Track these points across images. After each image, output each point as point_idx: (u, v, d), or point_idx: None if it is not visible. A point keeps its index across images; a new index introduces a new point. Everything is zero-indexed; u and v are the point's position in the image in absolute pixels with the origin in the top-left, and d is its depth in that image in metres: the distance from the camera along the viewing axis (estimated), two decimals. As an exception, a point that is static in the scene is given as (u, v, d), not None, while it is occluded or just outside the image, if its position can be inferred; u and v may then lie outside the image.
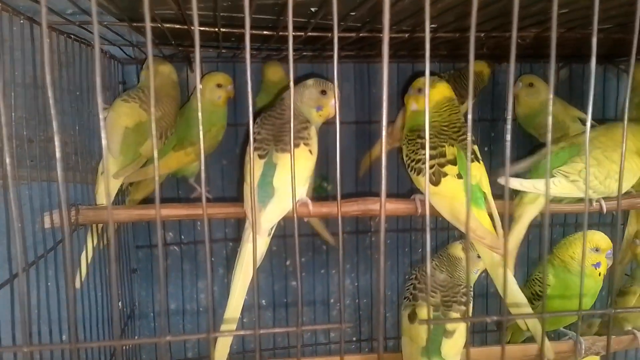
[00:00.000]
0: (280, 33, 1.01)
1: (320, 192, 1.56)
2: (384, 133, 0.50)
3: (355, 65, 1.51)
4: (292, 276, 1.61)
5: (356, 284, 1.64)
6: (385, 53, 0.46)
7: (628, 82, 0.59)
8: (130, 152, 1.13)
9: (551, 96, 0.54)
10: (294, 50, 1.08)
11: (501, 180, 0.89)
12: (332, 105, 1.02)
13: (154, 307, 1.54)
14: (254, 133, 0.99)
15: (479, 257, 1.04)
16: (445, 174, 0.96)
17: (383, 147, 0.50)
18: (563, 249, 1.20)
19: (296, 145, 0.95)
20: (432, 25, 0.95)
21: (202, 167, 0.53)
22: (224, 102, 1.31)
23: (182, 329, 1.56)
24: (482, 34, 0.96)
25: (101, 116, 0.53)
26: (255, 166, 0.93)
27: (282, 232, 1.59)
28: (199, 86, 0.52)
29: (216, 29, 1.00)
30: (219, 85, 1.28)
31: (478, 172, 0.97)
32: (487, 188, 0.99)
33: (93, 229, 1.11)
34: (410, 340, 1.07)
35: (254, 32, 1.00)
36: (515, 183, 0.99)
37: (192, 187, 1.42)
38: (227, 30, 1.00)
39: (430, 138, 0.98)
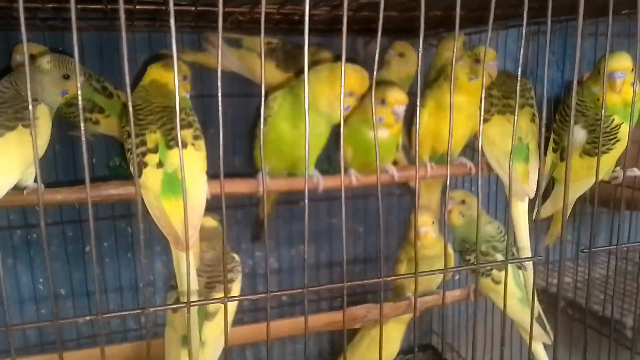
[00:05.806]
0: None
1: (119, 171, 1.46)
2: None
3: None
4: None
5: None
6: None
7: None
8: None
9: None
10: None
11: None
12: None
13: None
14: None
15: None
16: (146, 164, 0.89)
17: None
18: None
19: (11, 128, 0.83)
20: None
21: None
22: None
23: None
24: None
25: None
26: None
27: (78, 217, 1.49)
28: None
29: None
30: None
31: (177, 159, 0.85)
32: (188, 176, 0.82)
33: None
34: (173, 331, 1.02)
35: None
36: None
37: None
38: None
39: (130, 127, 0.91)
